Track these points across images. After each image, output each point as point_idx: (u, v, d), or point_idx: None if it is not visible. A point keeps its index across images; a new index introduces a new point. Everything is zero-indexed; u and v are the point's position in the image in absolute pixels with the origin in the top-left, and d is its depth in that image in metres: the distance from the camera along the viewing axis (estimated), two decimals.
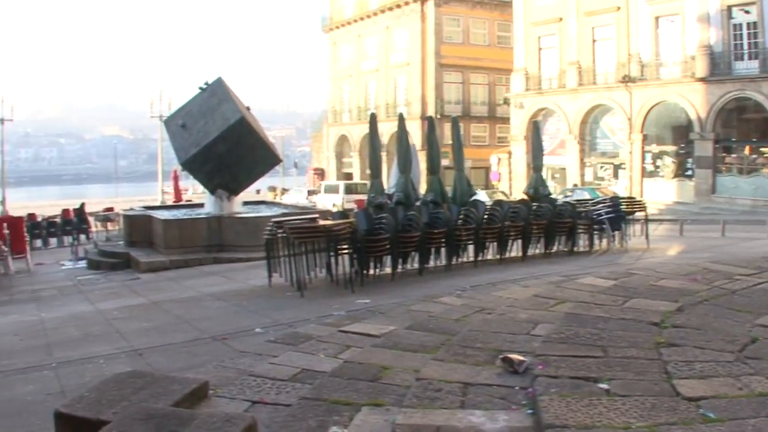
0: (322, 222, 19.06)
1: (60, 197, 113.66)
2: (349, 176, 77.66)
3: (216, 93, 28.23)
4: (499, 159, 64.98)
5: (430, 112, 67.51)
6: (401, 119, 23.23)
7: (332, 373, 8.05)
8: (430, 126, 24.46)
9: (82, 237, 42.64)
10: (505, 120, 66.69)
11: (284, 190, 76.84)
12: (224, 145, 26.92)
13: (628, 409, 5.92)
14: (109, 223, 44.82)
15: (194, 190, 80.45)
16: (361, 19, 78.19)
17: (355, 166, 79.33)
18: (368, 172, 73.10)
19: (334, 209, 34.28)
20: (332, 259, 18.09)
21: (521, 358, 7.77)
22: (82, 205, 50.66)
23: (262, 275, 19.21)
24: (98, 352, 12.25)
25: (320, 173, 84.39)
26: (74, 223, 43.73)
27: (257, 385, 7.96)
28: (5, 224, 29.77)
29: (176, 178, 57.91)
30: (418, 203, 21.89)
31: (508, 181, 63.65)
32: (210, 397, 7.55)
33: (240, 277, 20.81)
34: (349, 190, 60.31)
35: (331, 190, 61.44)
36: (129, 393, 7.04)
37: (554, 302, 11.48)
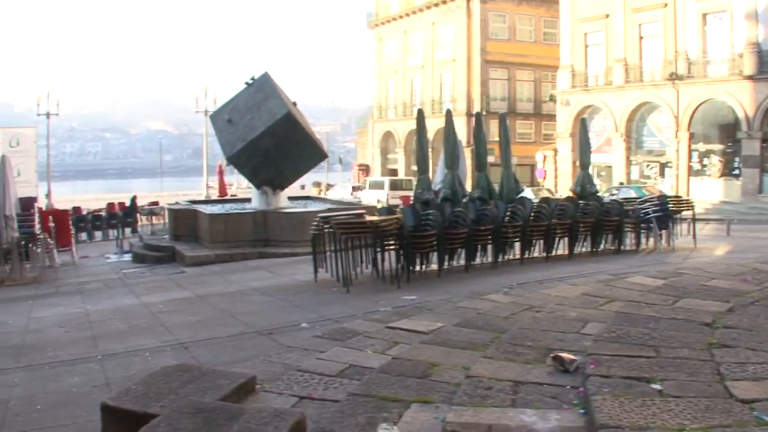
0: (368, 218, 19.01)
1: (105, 191, 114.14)
2: (393, 172, 77.63)
3: (262, 88, 28.16)
4: (545, 156, 64.66)
5: (476, 109, 66.84)
6: (449, 115, 23.07)
7: (381, 370, 7.99)
8: (477, 122, 24.24)
9: (128, 230, 42.90)
10: (551, 117, 66.40)
11: (329, 186, 76.69)
12: (270, 140, 26.89)
13: (682, 411, 5.82)
14: (153, 217, 45.10)
15: (238, 185, 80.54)
16: (407, 15, 78.06)
17: (400, 162, 79.27)
18: (413, 168, 73.39)
19: (379, 205, 34.20)
20: (378, 255, 18.03)
21: (572, 356, 7.69)
22: (134, 198, 50.99)
23: (307, 270, 19.12)
24: (143, 345, 12.29)
25: (365, 169, 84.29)
26: (119, 216, 43.84)
27: (305, 381, 7.92)
28: (51, 217, 29.93)
29: (221, 173, 58.01)
30: (464, 200, 21.74)
31: (553, 178, 63.34)
32: (257, 392, 7.53)
33: (285, 272, 20.69)
34: (394, 186, 60.18)
35: (376, 186, 61.37)
36: (176, 386, 7.03)
37: (603, 301, 11.38)
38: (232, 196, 50.70)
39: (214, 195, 58.58)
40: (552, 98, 64.87)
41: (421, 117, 22.13)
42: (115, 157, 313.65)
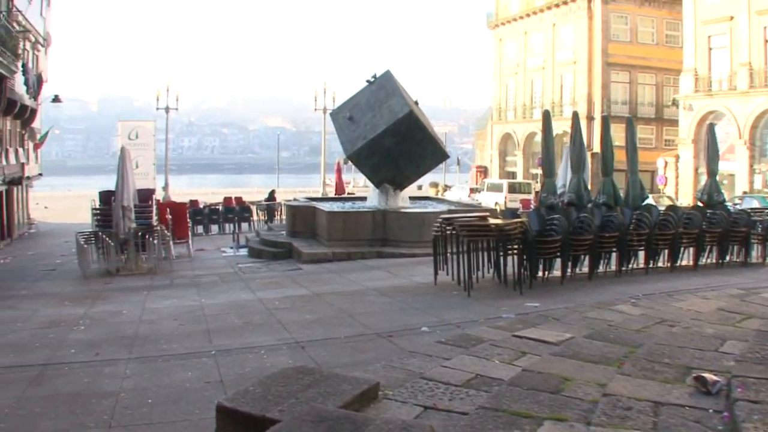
0: (492, 220, 18.60)
1: (221, 186, 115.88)
2: (512, 175, 76.89)
3: (384, 86, 27.93)
4: (666, 162, 63.35)
5: (596, 112, 66.41)
6: (575, 117, 22.68)
7: (511, 382, 7.58)
8: (605, 125, 23.59)
9: (244, 225, 43.03)
10: (672, 122, 65.01)
11: (446, 187, 76.44)
12: (391, 139, 26.64)
13: None
14: (266, 213, 45.26)
15: (354, 183, 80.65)
16: (527, 15, 77.11)
17: (519, 164, 78.48)
18: (532, 171, 72.95)
19: (497, 208, 33.74)
20: (501, 259, 17.55)
21: (715, 378, 7.18)
22: (272, 192, 51.49)
23: (426, 272, 18.92)
24: (259, 343, 12.17)
25: (483, 171, 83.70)
26: (236, 210, 44.02)
27: (429, 389, 7.59)
28: (168, 209, 30.09)
29: (339, 171, 57.96)
30: (589, 205, 21.20)
31: (674, 185, 62.06)
32: (380, 399, 7.23)
33: (404, 273, 20.41)
34: (513, 189, 59.58)
35: (495, 188, 60.87)
36: (296, 390, 6.79)
37: (740, 317, 10.91)
38: (349, 194, 50.68)
39: (331, 192, 58.64)
40: (675, 102, 63.41)
41: (547, 118, 21.65)
42: (232, 153, 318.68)
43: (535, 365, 8.37)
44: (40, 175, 54.94)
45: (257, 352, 11.48)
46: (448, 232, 17.84)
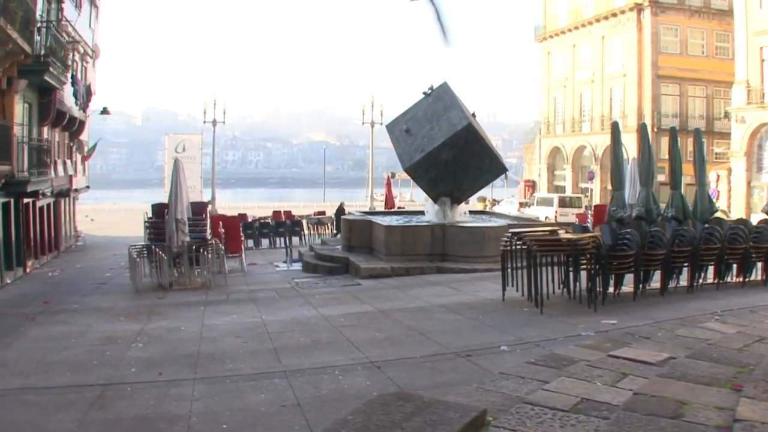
0: (563, 235, 17.98)
1: (265, 199, 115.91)
2: (560, 189, 76.12)
3: (442, 98, 27.43)
4: (718, 176, 62.32)
5: (647, 123, 65.57)
6: (644, 130, 22.34)
7: (626, 407, 6.98)
8: (673, 137, 22.97)
9: (295, 239, 42.51)
10: (723, 135, 64.03)
11: (494, 201, 75.61)
12: (450, 152, 26.07)
13: None
14: (320, 227, 44.91)
15: (401, 197, 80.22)
16: (576, 28, 76.28)
17: (568, 179, 77.63)
18: (581, 185, 72.15)
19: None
20: (570, 275, 17.05)
21: None
22: (341, 205, 51.24)
23: (491, 288, 18.53)
24: (331, 362, 11.64)
25: (531, 185, 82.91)
26: (287, 225, 43.59)
27: (536, 415, 7.01)
28: (221, 223, 29.60)
29: (389, 185, 57.43)
30: (658, 218, 20.59)
31: (726, 199, 61.05)
32: (487, 427, 6.69)
33: (468, 289, 19.82)
34: (563, 203, 58.77)
35: (545, 202, 60.03)
36: (400, 419, 6.25)
37: None
38: (399, 208, 50.20)
39: (379, 207, 58.20)
40: (727, 115, 62.41)
41: (616, 130, 21.21)
42: (276, 167, 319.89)
43: (645, 388, 7.78)
44: (88, 187, 54.72)
45: (331, 372, 10.93)
46: (517, 246, 17.14)
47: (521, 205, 65.29)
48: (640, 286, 17.61)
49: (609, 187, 70.57)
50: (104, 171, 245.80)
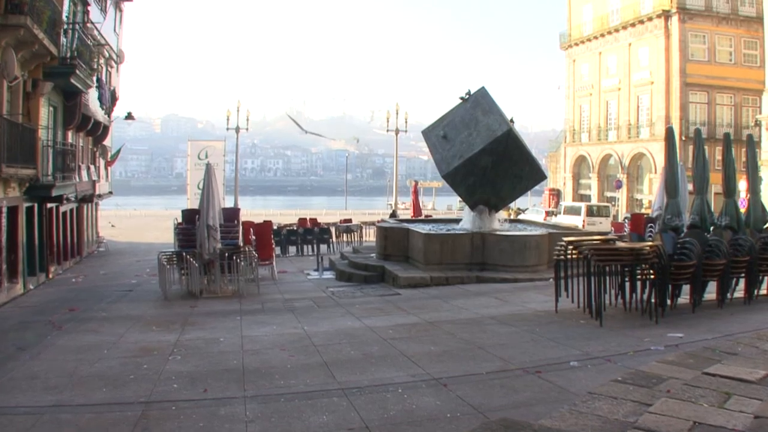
0: (620, 244, 17.19)
1: (285, 207, 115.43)
2: (586, 198, 75.17)
3: (480, 103, 26.74)
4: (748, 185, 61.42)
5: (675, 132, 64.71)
6: (698, 135, 21.57)
7: None
8: (727, 144, 22.12)
9: (323, 246, 41.77)
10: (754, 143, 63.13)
11: (519, 210, 74.60)
12: (489, 158, 25.36)
13: None
14: (346, 235, 44.16)
15: (423, 205, 79.49)
16: (602, 35, 75.36)
17: (593, 187, 76.69)
18: (607, 194, 71.45)
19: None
20: (629, 285, 16.33)
21: None
22: (395, 211, 50.63)
23: (538, 299, 18.11)
24: (390, 379, 10.84)
25: (556, 194, 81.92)
26: (316, 232, 42.79)
27: None
28: (251, 229, 28.78)
29: (416, 192, 56.60)
30: (711, 228, 19.82)
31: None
32: None
33: (514, 300, 19.02)
34: (591, 212, 57.76)
35: (572, 211, 58.97)
36: None
37: None
38: (426, 216, 49.35)
39: (404, 214, 57.51)
40: (757, 123, 61.43)
41: (671, 136, 20.74)
42: (295, 175, 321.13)
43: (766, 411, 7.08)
44: (111, 193, 54.02)
45: (394, 390, 10.13)
46: (572, 256, 16.32)
47: (547, 214, 64.32)
48: (696, 297, 16.81)
49: (636, 196, 70.73)
50: (124, 177, 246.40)
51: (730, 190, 20.97)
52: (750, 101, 66.54)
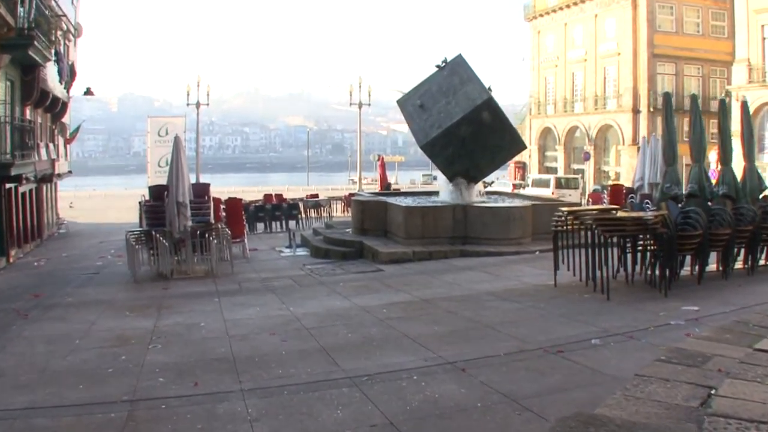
0: (622, 214, 16.44)
1: (245, 184, 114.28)
2: (552, 170, 74.80)
3: (457, 71, 25.85)
4: (719, 156, 61.01)
5: (642, 105, 64.79)
6: (694, 101, 21.01)
7: None
8: (722, 111, 21.35)
9: (292, 223, 40.69)
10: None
11: (485, 183, 74.13)
12: (468, 128, 24.47)
13: None
14: (314, 210, 43.29)
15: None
16: (567, 6, 74.96)
17: (560, 160, 76.31)
18: (573, 166, 70.78)
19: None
20: (629, 257, 15.69)
21: None
22: (389, 185, 51.28)
23: (531, 272, 17.61)
24: (400, 364, 9.86)
25: (521, 167, 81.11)
26: (284, 208, 41.75)
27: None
28: (222, 206, 27.61)
29: (383, 165, 55.82)
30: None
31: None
32: None
33: (506, 274, 18.17)
34: (560, 184, 57.22)
35: (541, 184, 58.34)
36: None
37: None
38: (395, 189, 48.45)
39: (368, 189, 57.07)
40: (728, 94, 60.98)
41: (668, 102, 20.17)
42: (254, 152, 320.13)
43: None
44: (70, 172, 52.62)
45: (408, 377, 9.15)
46: (571, 227, 15.56)
47: (515, 186, 63.52)
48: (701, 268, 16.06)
49: (603, 168, 70.26)
50: (81, 158, 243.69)
51: (726, 157, 20.36)
52: (717, 72, 67.13)
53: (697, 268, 15.95)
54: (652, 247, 15.45)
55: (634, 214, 16.38)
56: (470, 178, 26.00)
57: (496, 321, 12.34)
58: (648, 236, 15.22)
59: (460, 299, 14.83)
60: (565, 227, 15.85)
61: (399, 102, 27.08)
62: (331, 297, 16.33)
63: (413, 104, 26.07)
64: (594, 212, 16.68)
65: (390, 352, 10.62)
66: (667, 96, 20.48)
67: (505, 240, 22.42)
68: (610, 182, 62.32)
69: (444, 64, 26.41)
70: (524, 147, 29.34)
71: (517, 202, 26.59)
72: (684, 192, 19.54)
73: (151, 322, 14.06)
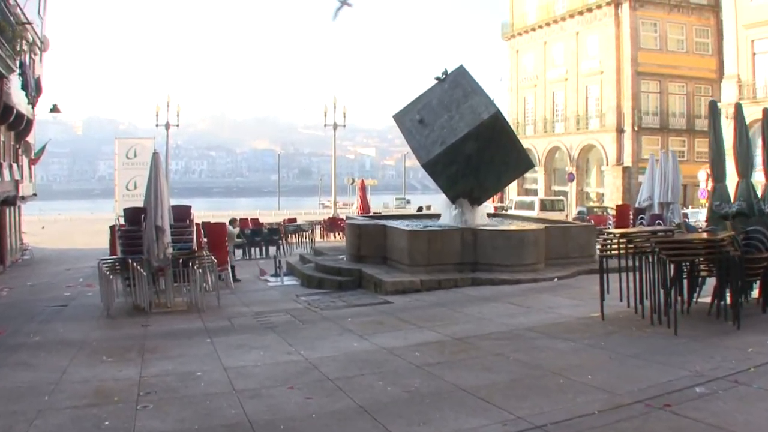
0: (689, 235, 14.57)
1: (211, 209, 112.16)
2: (531, 192, 73.84)
3: (460, 83, 24.17)
4: (708, 175, 59.61)
5: (626, 124, 63.85)
6: (738, 110, 19.36)
7: None
8: (739, 115, 19.43)
9: (272, 249, 38.72)
10: (705, 133, 61.53)
11: (504, 208, 72.96)
12: (474, 144, 22.76)
13: None
14: (294, 235, 41.43)
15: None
16: (547, 24, 74.18)
17: (540, 182, 75.25)
18: (554, 188, 69.19)
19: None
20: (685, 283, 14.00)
21: None
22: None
23: (563, 303, 16.11)
24: (472, 429, 7.77)
25: None
26: (264, 233, 39.63)
27: None
28: (203, 231, 25.24)
29: (363, 189, 54.18)
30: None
31: None
32: None
33: (535, 305, 16.19)
34: (544, 206, 55.76)
35: (525, 206, 57.02)
36: None
37: None
38: (375, 213, 46.49)
39: (343, 213, 55.72)
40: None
41: (715, 111, 18.96)
42: (220, 176, 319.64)
43: None
44: (35, 195, 50.19)
45: None
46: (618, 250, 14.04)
47: (496, 209, 61.92)
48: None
49: (585, 189, 68.78)
50: (45, 182, 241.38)
51: (745, 170, 18.64)
52: (702, 90, 67.34)
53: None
54: (705, 273, 13.99)
55: (704, 236, 14.55)
56: (474, 199, 24.30)
57: (561, 366, 10.27)
58: (710, 260, 13.47)
59: (501, 337, 12.71)
60: (612, 251, 14.13)
61: (396, 117, 25.10)
62: (344, 336, 13.96)
63: (412, 119, 24.20)
64: (647, 234, 14.73)
65: (450, 412, 8.42)
66: (713, 104, 19.21)
67: (519, 266, 20.60)
68: (592, 204, 60.90)
69: (444, 75, 24.70)
70: (532, 165, 27.59)
71: (529, 225, 24.91)
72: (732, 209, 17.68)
73: (136, 371, 11.49)
